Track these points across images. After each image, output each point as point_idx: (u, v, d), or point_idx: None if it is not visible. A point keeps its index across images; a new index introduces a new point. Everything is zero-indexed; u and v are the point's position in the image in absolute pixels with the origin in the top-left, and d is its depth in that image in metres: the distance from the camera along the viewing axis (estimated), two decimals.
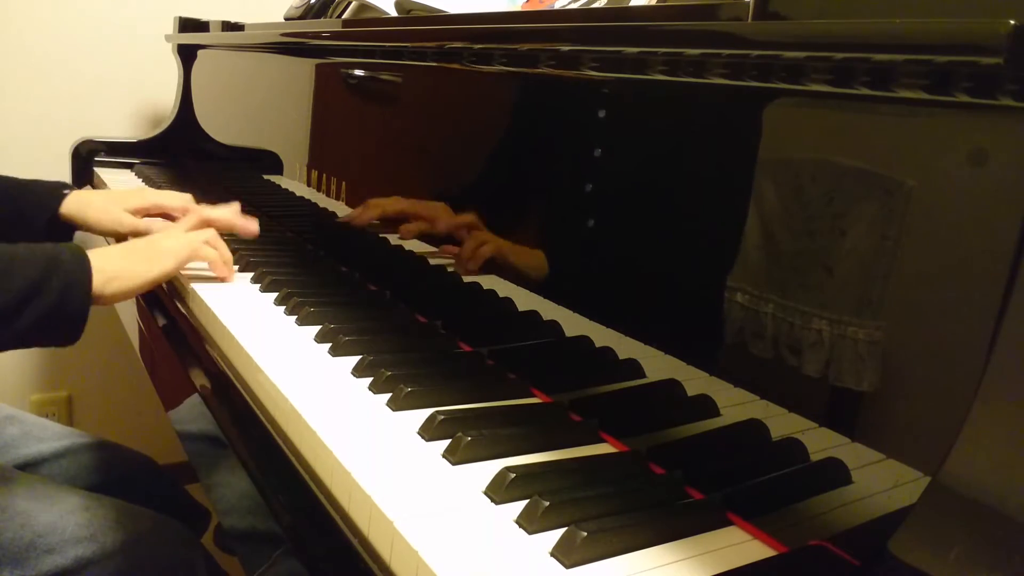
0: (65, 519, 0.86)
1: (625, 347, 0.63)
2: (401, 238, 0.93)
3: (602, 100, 0.67)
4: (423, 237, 0.90)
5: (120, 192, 1.15)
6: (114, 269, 0.83)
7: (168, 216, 1.11)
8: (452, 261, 0.84)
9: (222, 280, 0.93)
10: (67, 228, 1.09)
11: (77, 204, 1.08)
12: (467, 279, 0.81)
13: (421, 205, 0.92)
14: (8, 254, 0.77)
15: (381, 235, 0.97)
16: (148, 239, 0.94)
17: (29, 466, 0.99)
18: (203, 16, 1.69)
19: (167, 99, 1.83)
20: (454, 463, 0.54)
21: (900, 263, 0.45)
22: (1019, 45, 0.35)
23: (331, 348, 0.73)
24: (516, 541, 0.46)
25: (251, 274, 0.95)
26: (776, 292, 0.51)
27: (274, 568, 0.56)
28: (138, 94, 1.87)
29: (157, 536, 0.91)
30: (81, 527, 0.86)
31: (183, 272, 0.94)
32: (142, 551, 0.88)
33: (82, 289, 0.79)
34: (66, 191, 1.09)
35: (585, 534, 0.44)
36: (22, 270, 0.75)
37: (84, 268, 0.80)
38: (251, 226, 1.02)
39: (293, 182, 1.25)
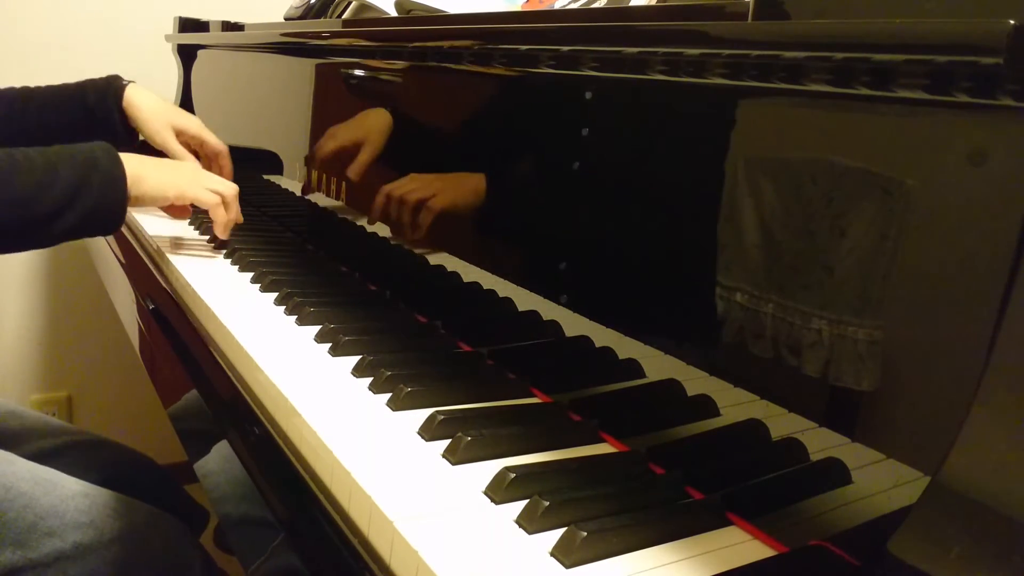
0: (66, 504, 0.86)
1: (625, 347, 0.63)
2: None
3: (602, 100, 0.67)
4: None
5: (173, 108, 1.24)
6: (143, 172, 0.93)
7: (201, 153, 1.21)
8: (452, 260, 0.84)
9: (220, 236, 1.02)
10: (133, 129, 1.19)
11: (134, 100, 1.19)
12: (467, 279, 0.81)
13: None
14: (50, 160, 0.86)
15: (381, 235, 0.97)
16: (179, 162, 1.06)
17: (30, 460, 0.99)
18: (203, 16, 1.69)
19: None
20: (454, 463, 0.54)
21: (900, 263, 0.45)
22: (1019, 45, 0.35)
23: (331, 348, 0.73)
24: (516, 541, 0.46)
25: (251, 274, 0.95)
26: (776, 292, 0.51)
27: (271, 561, 0.56)
28: None
29: (154, 528, 0.91)
30: (81, 513, 0.87)
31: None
32: (139, 541, 0.89)
33: (119, 185, 0.89)
34: (124, 81, 1.20)
35: (585, 534, 0.44)
36: (64, 173, 0.85)
37: (118, 166, 0.90)
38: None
39: (293, 182, 1.25)
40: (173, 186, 0.96)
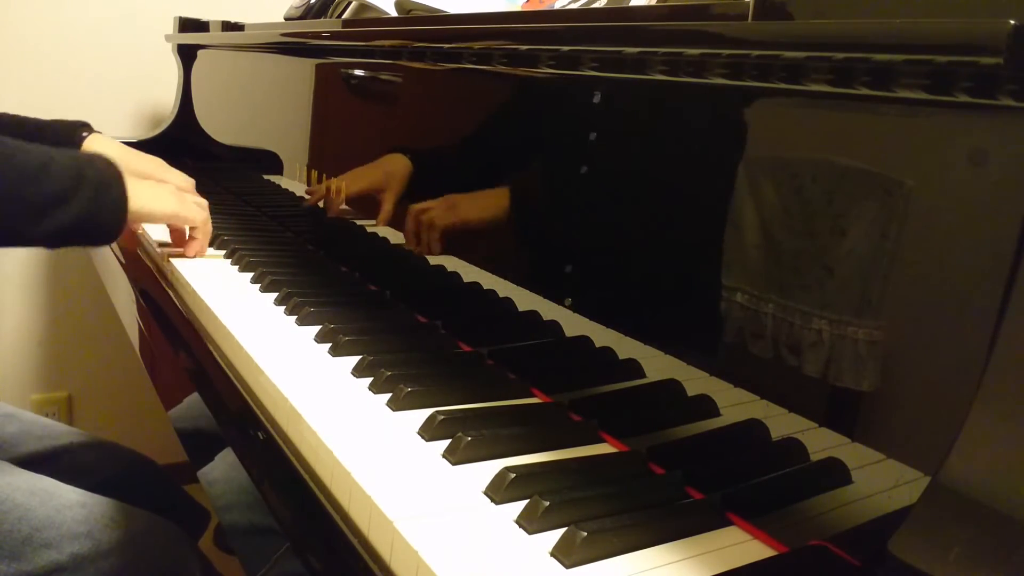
0: (62, 514, 0.86)
1: (625, 347, 0.63)
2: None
3: (602, 100, 0.67)
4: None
5: (135, 153, 1.19)
6: (137, 188, 0.89)
7: None
8: (452, 260, 0.84)
9: (190, 256, 1.02)
10: None
11: (95, 149, 1.13)
12: (467, 279, 0.81)
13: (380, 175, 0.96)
14: (46, 152, 0.81)
15: (381, 235, 0.97)
16: (169, 185, 1.03)
17: (27, 464, 0.98)
18: (203, 16, 1.69)
19: (167, 99, 1.83)
20: (454, 463, 0.54)
21: (900, 263, 0.45)
22: (1019, 45, 0.35)
23: (331, 348, 0.73)
24: (516, 541, 0.46)
25: (251, 274, 0.95)
26: (776, 292, 0.51)
27: (275, 569, 0.56)
28: (138, 94, 1.87)
29: (152, 536, 0.91)
30: (78, 523, 0.86)
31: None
32: (136, 550, 0.88)
33: (119, 185, 0.86)
34: (85, 133, 1.15)
35: (585, 534, 0.44)
36: (62, 161, 0.81)
37: (114, 167, 0.87)
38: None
39: (293, 182, 1.25)
40: (168, 203, 0.95)
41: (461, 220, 0.85)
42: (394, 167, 0.94)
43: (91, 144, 1.13)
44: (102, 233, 0.87)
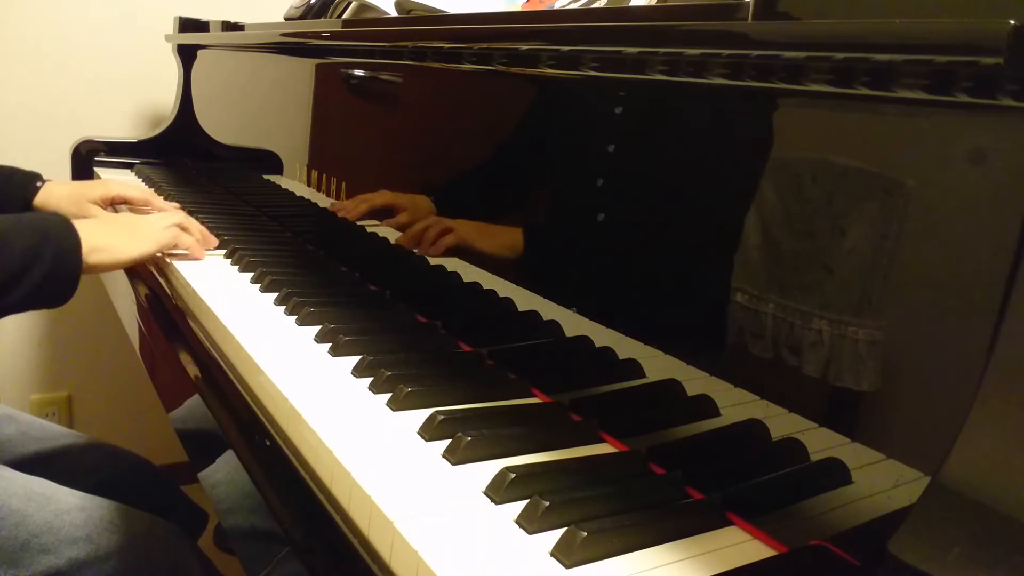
0: (60, 519, 0.85)
1: (625, 347, 0.63)
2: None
3: (602, 100, 0.67)
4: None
5: (86, 184, 1.24)
6: (99, 242, 0.89)
7: (131, 206, 1.21)
8: (452, 260, 0.84)
9: (196, 259, 1.01)
10: None
11: (48, 196, 1.17)
12: (467, 279, 0.82)
13: (407, 199, 0.95)
14: (1, 230, 0.81)
15: (381, 235, 0.97)
16: (134, 218, 1.03)
17: (26, 466, 0.98)
18: (203, 16, 1.69)
19: (167, 99, 1.83)
20: (454, 463, 0.54)
21: (900, 263, 0.45)
22: (1019, 45, 0.35)
23: (331, 348, 0.73)
24: (516, 541, 0.46)
25: (251, 274, 0.95)
26: (776, 292, 0.51)
27: (276, 570, 0.56)
28: (138, 94, 1.87)
29: (152, 538, 0.91)
30: (77, 527, 0.86)
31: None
32: (137, 553, 0.88)
33: (73, 255, 0.85)
34: (39, 183, 1.18)
35: (585, 534, 0.44)
36: (17, 241, 0.81)
37: (72, 236, 0.86)
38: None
39: (293, 182, 1.25)
40: (139, 248, 0.94)
41: (463, 226, 0.85)
42: (420, 202, 0.94)
43: (45, 194, 1.17)
44: (52, 303, 0.87)
